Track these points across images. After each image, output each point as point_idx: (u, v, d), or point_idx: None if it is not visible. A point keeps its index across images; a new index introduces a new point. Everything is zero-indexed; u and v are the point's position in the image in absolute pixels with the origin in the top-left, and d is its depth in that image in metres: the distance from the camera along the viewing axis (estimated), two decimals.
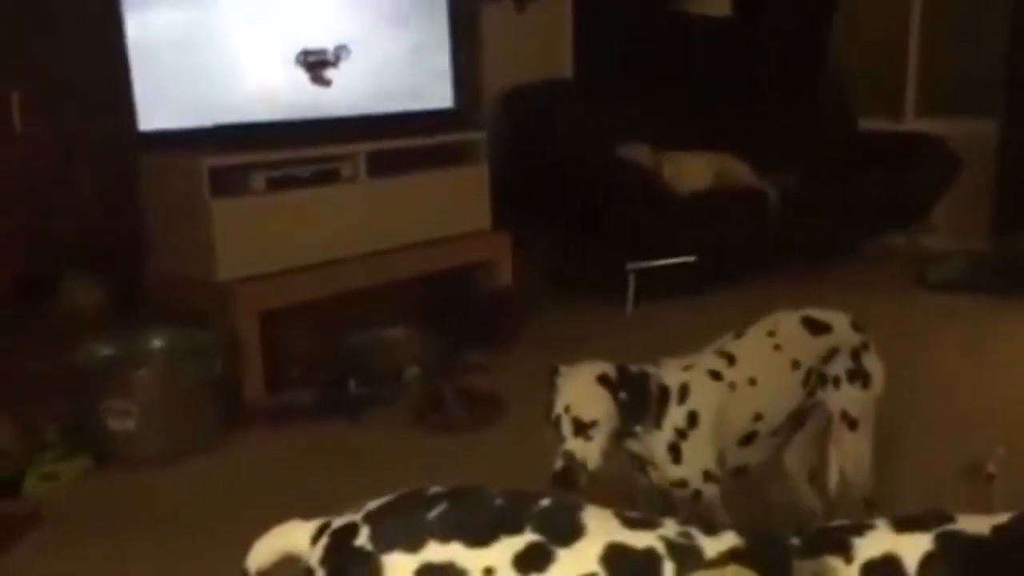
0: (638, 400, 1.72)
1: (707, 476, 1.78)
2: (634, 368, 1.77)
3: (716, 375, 1.82)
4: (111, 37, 2.95)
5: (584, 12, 4.84)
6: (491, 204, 3.86)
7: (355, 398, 3.09)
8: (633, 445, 1.79)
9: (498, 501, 1.19)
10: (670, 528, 1.15)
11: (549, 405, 1.73)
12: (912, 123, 5.29)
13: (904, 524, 1.14)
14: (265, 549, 1.26)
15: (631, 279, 4.05)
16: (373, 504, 1.21)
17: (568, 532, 1.14)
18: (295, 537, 1.23)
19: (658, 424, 1.76)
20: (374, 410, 3.04)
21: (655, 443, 1.77)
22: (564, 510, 1.17)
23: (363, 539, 1.15)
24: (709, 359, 1.86)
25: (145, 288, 3.27)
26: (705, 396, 1.79)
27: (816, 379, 1.92)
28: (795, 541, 1.15)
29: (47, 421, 2.77)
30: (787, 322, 1.95)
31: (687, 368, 1.83)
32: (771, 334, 1.92)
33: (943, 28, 5.30)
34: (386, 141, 3.49)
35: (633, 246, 4.08)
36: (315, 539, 1.20)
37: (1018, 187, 4.82)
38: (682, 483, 1.78)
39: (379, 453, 2.72)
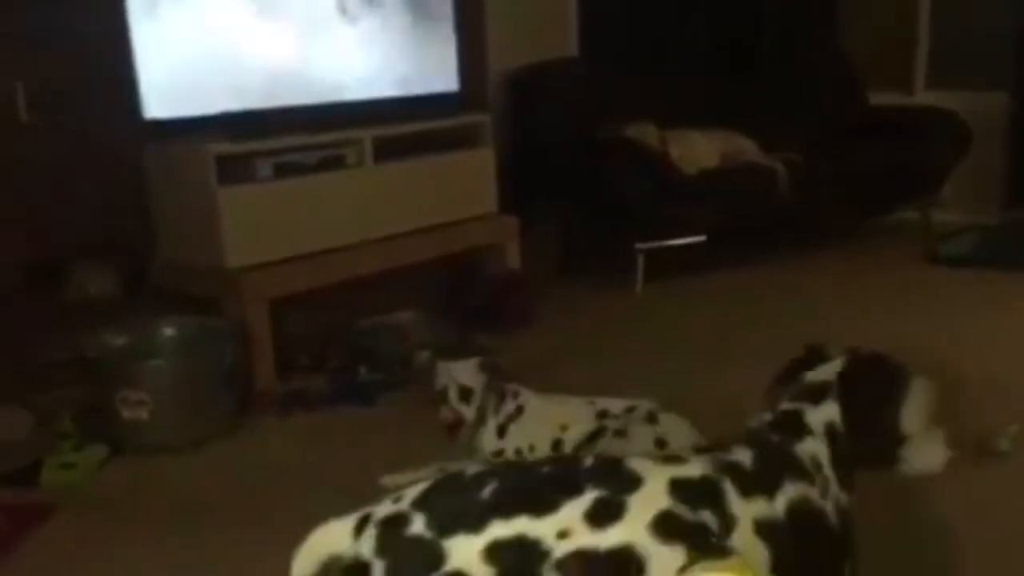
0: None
1: (518, 453, 2.38)
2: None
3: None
4: (116, 25, 2.94)
5: None
6: (498, 187, 3.85)
7: (366, 383, 3.11)
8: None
9: (545, 469, 1.22)
10: (702, 456, 1.28)
11: None
12: (923, 96, 5.24)
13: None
14: (308, 556, 1.22)
15: (640, 259, 4.04)
16: (412, 492, 1.19)
17: (627, 481, 1.18)
18: (334, 536, 1.20)
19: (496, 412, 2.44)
20: (385, 395, 3.05)
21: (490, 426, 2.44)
22: (611, 463, 1.22)
23: (419, 526, 1.14)
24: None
25: (155, 276, 3.28)
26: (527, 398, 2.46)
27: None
28: (775, 437, 1.37)
29: (63, 411, 2.80)
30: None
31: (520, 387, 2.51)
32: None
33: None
34: (391, 126, 3.48)
35: (641, 226, 4.07)
36: (358, 532, 1.18)
37: None
38: (499, 453, 2.40)
39: (391, 437, 2.73)
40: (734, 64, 5.04)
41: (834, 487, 1.34)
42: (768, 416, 1.43)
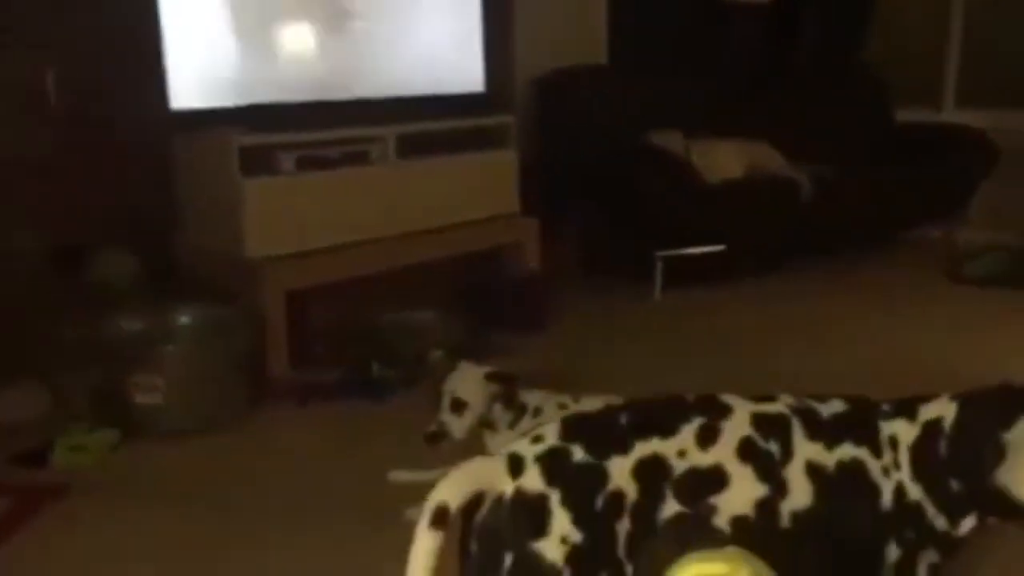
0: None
1: None
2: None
3: (563, 406, 2.34)
4: (146, 14, 2.97)
5: None
6: (521, 188, 3.85)
7: (378, 380, 3.11)
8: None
9: (659, 404, 1.44)
10: (784, 399, 1.44)
11: None
12: (952, 114, 5.19)
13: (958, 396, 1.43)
14: (458, 486, 1.27)
15: (659, 265, 4.03)
16: (549, 431, 1.34)
17: (722, 410, 1.40)
18: (487, 472, 1.30)
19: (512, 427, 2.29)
20: (397, 392, 3.06)
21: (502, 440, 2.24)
22: (709, 398, 1.43)
23: (581, 455, 1.30)
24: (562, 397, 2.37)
25: (176, 262, 3.31)
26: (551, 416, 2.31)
27: None
28: (886, 407, 1.44)
29: (78, 392, 2.82)
30: None
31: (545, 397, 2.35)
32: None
33: (986, 15, 5.18)
34: (416, 124, 3.49)
35: (662, 233, 4.05)
36: (515, 470, 1.29)
37: None
38: None
39: (399, 434, 2.73)
40: (764, 77, 5.02)
41: (905, 472, 1.39)
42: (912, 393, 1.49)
